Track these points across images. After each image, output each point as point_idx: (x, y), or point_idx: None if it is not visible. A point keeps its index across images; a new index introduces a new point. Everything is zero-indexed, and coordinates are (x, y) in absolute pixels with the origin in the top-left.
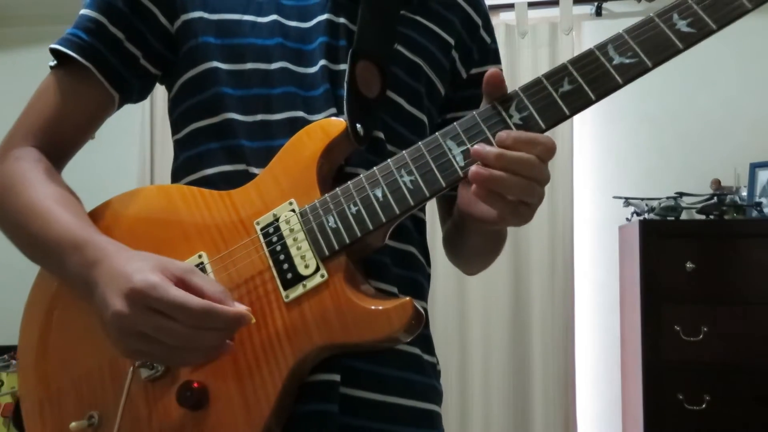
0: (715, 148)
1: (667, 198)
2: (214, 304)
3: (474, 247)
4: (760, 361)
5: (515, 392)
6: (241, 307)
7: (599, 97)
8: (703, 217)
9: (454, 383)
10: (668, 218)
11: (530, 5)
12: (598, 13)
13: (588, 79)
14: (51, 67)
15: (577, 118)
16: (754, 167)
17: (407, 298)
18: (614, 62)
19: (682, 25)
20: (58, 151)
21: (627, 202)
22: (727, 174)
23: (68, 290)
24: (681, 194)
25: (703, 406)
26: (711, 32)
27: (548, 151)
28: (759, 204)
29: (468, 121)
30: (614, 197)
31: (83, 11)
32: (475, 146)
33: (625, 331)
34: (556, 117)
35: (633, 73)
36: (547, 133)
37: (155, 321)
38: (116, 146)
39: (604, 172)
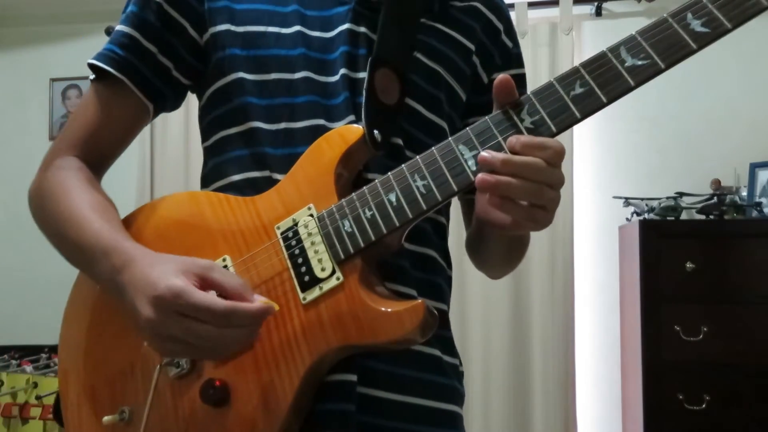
0: (715, 148)
1: (667, 198)
2: (237, 303)
3: (496, 253)
4: (760, 360)
5: (515, 392)
6: (261, 300)
7: (611, 99)
8: (703, 217)
9: None
10: (668, 218)
11: (530, 5)
12: (598, 13)
13: (599, 82)
14: (91, 81)
15: None
16: (754, 167)
17: (419, 300)
18: (626, 64)
19: (696, 25)
20: (98, 159)
21: (627, 202)
22: (727, 174)
23: (104, 291)
24: (681, 194)
25: (703, 406)
26: (726, 32)
27: (557, 154)
28: (759, 204)
29: (480, 126)
30: (614, 197)
31: (118, 27)
32: (482, 154)
33: (625, 331)
34: (568, 121)
35: (645, 74)
36: None
37: (184, 324)
38: None
39: (604, 172)
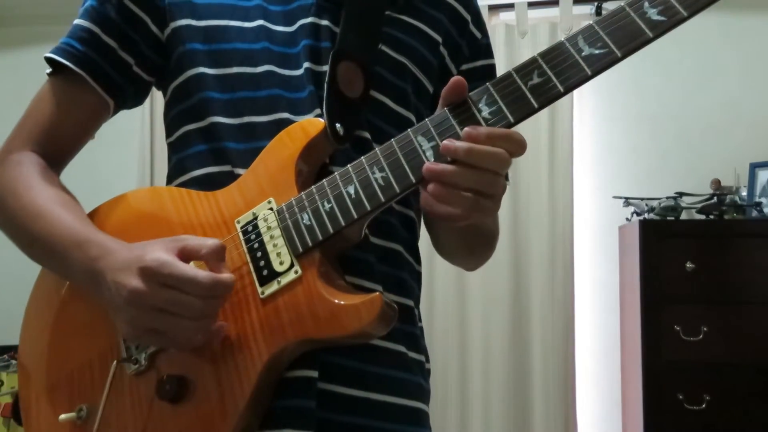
0: (715, 148)
1: (667, 198)
2: (217, 274)
3: (451, 243)
4: (760, 360)
5: (515, 392)
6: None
7: (568, 89)
8: (703, 217)
9: (454, 383)
10: (668, 218)
11: (530, 5)
12: (598, 13)
13: (556, 71)
14: (48, 75)
15: (577, 118)
16: (754, 167)
17: (377, 293)
18: (584, 53)
19: (653, 14)
20: (56, 155)
21: (627, 202)
22: (727, 174)
23: (67, 288)
24: (681, 194)
25: (703, 406)
26: (682, 20)
27: (521, 146)
28: (759, 204)
29: (438, 117)
30: (614, 197)
31: (77, 21)
32: (445, 142)
33: (625, 331)
34: (525, 111)
35: (602, 64)
36: (547, 131)
37: (170, 295)
38: (116, 146)
39: (604, 172)
